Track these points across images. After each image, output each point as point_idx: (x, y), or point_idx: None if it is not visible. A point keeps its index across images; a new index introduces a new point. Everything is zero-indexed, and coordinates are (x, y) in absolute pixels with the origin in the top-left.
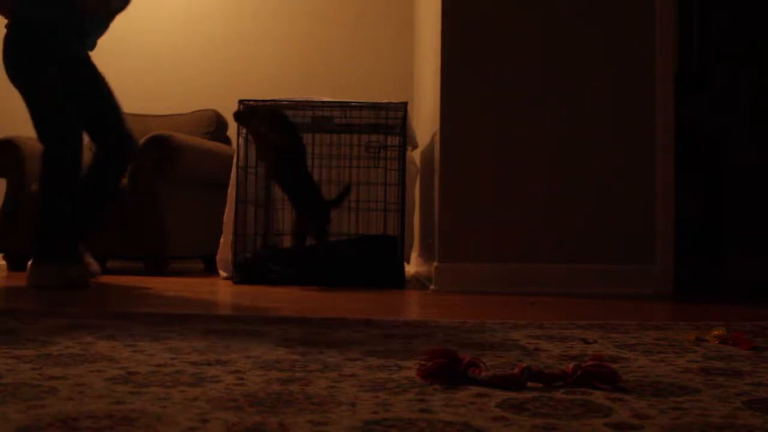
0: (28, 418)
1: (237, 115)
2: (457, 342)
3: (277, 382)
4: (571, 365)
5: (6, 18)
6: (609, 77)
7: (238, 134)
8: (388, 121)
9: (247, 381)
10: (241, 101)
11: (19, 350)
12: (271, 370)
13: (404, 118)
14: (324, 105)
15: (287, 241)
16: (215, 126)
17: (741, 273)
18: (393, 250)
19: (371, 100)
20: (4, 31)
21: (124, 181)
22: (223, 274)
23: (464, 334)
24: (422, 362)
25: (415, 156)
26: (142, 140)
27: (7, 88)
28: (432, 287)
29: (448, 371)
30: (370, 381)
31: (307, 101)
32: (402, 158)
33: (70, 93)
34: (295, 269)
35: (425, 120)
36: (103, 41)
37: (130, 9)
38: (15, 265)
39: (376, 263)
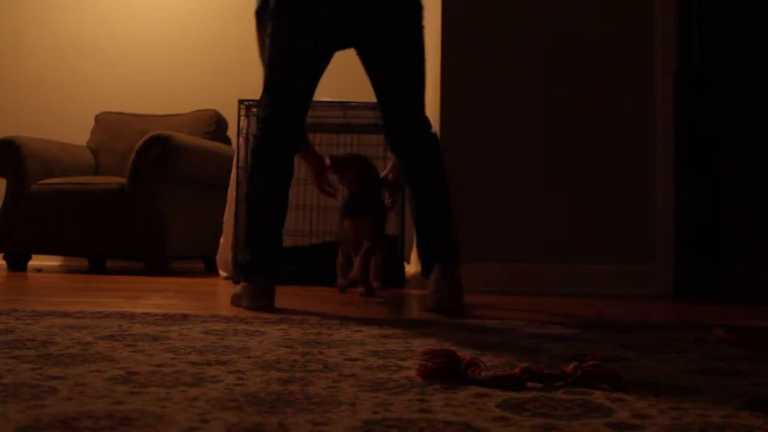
0: (28, 418)
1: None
2: (457, 342)
3: (277, 382)
4: (571, 365)
5: None
6: (609, 77)
7: (238, 134)
8: None
9: (247, 381)
10: (241, 101)
11: (19, 350)
12: (271, 370)
13: None
14: (324, 105)
15: (287, 241)
16: (215, 126)
17: (741, 273)
18: (393, 250)
19: (371, 100)
20: None
21: (124, 181)
22: (223, 274)
23: (464, 334)
24: (422, 362)
25: None
26: (142, 140)
27: (7, 88)
28: None
29: (448, 371)
30: (370, 381)
31: None
32: None
33: None
34: (295, 268)
35: None
36: (103, 41)
37: (131, 9)
38: (15, 265)
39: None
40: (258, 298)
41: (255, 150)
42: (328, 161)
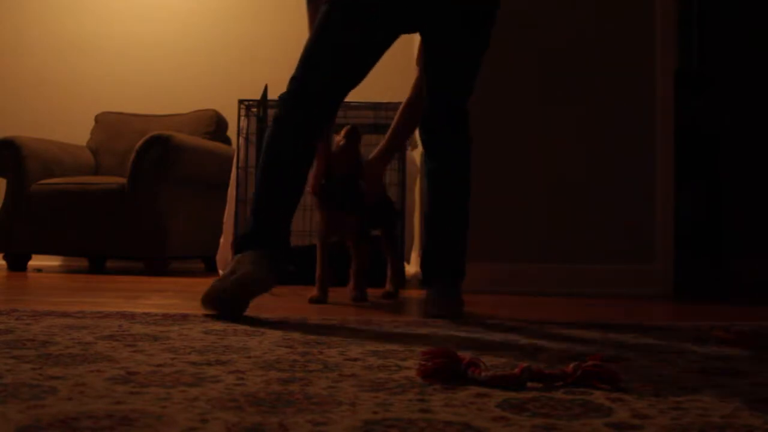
0: (28, 418)
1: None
2: (457, 342)
3: (277, 382)
4: (571, 365)
5: None
6: (609, 77)
7: (238, 134)
8: (388, 121)
9: (247, 381)
10: (241, 101)
11: (19, 350)
12: (271, 370)
13: None
14: None
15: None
16: (215, 126)
17: (741, 273)
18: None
19: (371, 100)
20: None
21: (124, 181)
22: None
23: (464, 334)
24: (422, 362)
25: (415, 156)
26: (142, 140)
27: (7, 88)
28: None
29: (448, 371)
30: (370, 381)
31: None
32: (402, 158)
33: None
34: (295, 268)
35: None
36: (103, 41)
37: (131, 9)
38: (15, 265)
39: (376, 263)
40: (256, 264)
41: (269, 134)
42: (347, 128)
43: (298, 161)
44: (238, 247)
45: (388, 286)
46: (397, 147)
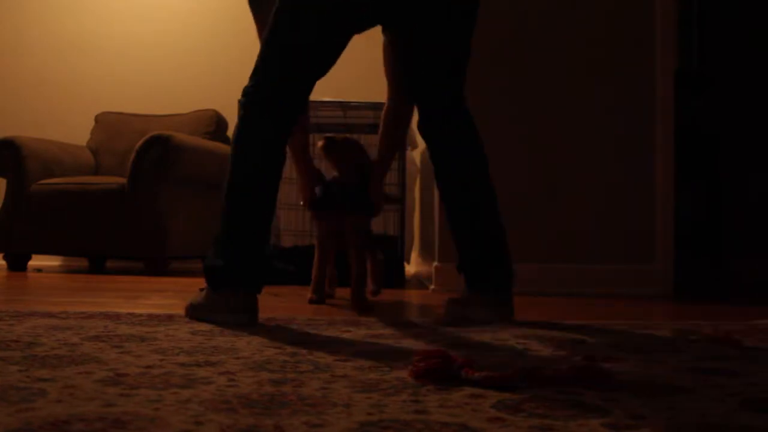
0: (18, 421)
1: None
2: (447, 342)
3: (269, 384)
4: (565, 365)
5: None
6: (609, 77)
7: None
8: None
9: (238, 382)
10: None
11: (4, 351)
12: (262, 371)
13: None
14: (324, 105)
15: (287, 241)
16: (215, 126)
17: (741, 273)
18: (393, 250)
19: (371, 100)
20: None
21: (124, 181)
22: None
23: (455, 334)
24: (415, 362)
25: (415, 156)
26: (142, 140)
27: (7, 88)
28: (432, 287)
29: (441, 371)
30: (362, 382)
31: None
32: (402, 158)
33: None
34: (295, 267)
35: None
36: (103, 41)
37: (131, 9)
38: (15, 265)
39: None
40: (236, 311)
41: (237, 137)
42: (321, 143)
43: (268, 163)
44: (212, 280)
45: (370, 284)
46: (389, 158)
